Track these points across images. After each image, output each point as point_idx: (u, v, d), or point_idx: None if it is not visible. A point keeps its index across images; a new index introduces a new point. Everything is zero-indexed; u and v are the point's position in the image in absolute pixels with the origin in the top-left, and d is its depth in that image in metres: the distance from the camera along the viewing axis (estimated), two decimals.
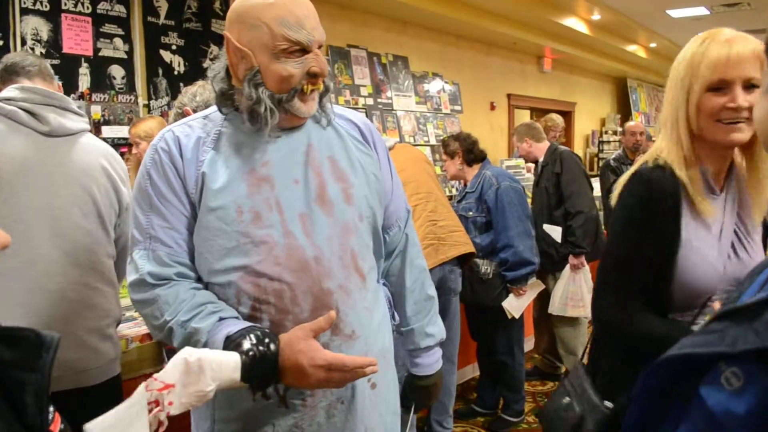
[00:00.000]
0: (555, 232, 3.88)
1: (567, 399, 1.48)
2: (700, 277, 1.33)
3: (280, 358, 1.15)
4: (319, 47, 1.28)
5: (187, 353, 1.07)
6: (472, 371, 4.20)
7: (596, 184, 4.89)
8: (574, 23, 7.46)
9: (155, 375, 1.05)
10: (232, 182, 1.27)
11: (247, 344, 1.13)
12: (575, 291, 3.82)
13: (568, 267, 3.83)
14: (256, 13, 1.24)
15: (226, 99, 1.33)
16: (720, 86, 1.31)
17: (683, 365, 0.62)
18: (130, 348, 2.13)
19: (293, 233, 1.27)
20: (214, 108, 1.37)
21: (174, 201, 1.28)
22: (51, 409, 0.71)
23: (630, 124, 5.46)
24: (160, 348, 2.22)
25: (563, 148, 4.10)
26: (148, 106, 4.06)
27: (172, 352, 1.21)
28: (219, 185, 1.27)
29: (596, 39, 8.09)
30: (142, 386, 0.97)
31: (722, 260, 1.35)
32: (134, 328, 2.20)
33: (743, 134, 1.31)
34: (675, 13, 7.83)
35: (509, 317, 3.41)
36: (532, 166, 4.74)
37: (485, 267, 3.37)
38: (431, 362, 1.58)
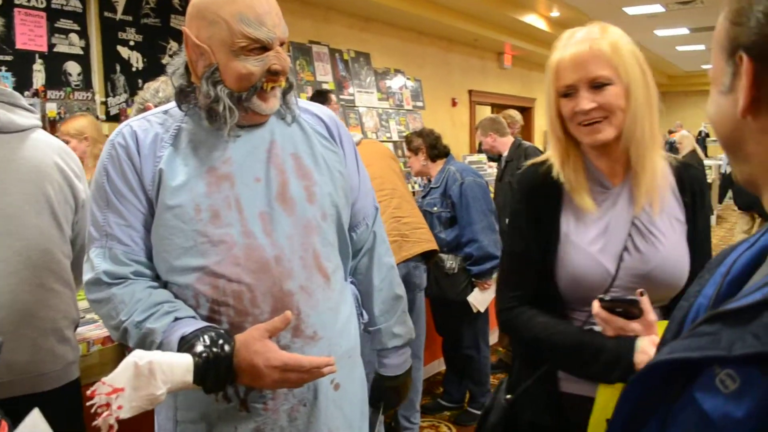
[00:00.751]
0: None
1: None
2: (581, 272, 1.31)
3: (235, 358, 1.13)
4: (282, 44, 1.25)
5: (137, 356, 1.05)
6: (438, 366, 4.22)
7: None
8: (534, 20, 7.55)
9: (104, 379, 1.03)
10: (191, 180, 1.24)
11: (200, 346, 1.11)
12: None
13: None
14: (215, 9, 1.20)
15: (185, 96, 1.30)
16: (567, 91, 1.30)
17: (671, 369, 0.60)
18: (92, 351, 2.07)
19: (253, 232, 1.24)
20: (174, 103, 1.33)
21: (131, 198, 1.25)
22: None
23: None
24: (123, 351, 2.17)
25: (528, 143, 4.16)
26: (105, 103, 3.97)
27: None
28: (177, 183, 1.24)
29: (555, 36, 8.10)
30: (34, 412, 0.84)
31: (611, 255, 1.31)
32: (95, 330, 2.14)
33: (603, 133, 1.28)
34: (631, 10, 7.98)
35: (474, 311, 3.44)
36: (494, 164, 4.78)
37: (450, 262, 3.38)
38: (399, 362, 1.55)
